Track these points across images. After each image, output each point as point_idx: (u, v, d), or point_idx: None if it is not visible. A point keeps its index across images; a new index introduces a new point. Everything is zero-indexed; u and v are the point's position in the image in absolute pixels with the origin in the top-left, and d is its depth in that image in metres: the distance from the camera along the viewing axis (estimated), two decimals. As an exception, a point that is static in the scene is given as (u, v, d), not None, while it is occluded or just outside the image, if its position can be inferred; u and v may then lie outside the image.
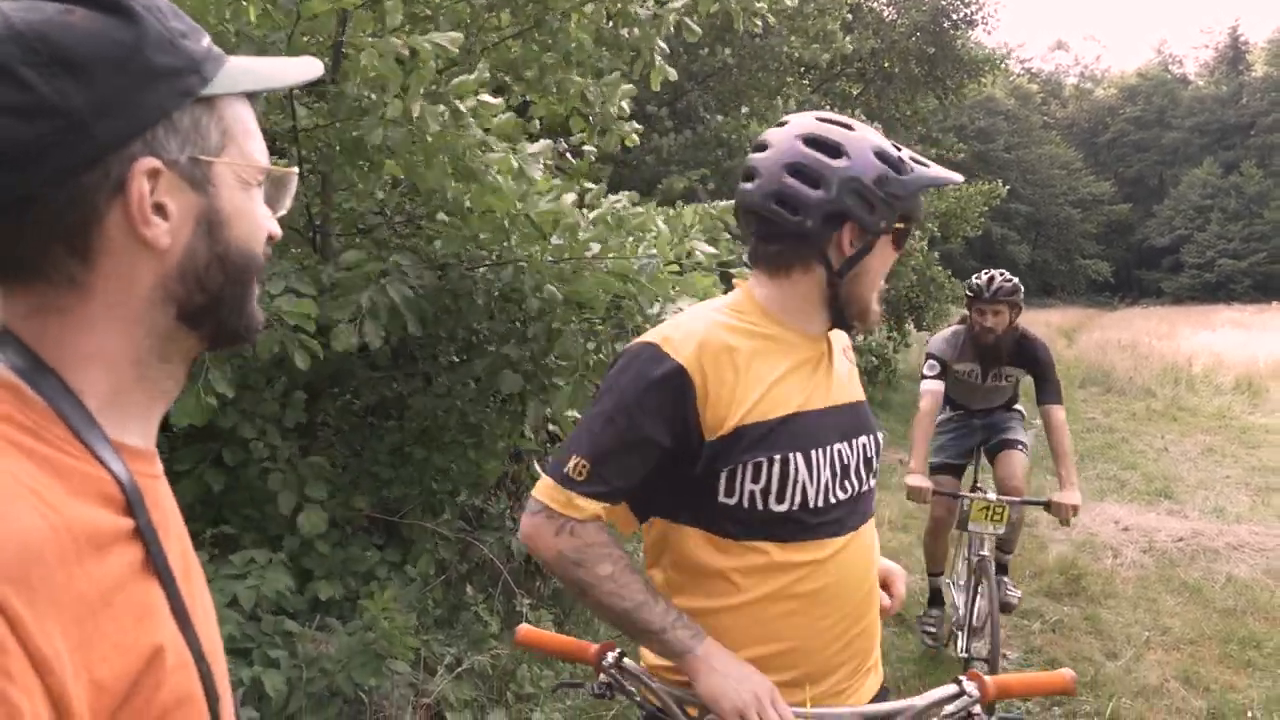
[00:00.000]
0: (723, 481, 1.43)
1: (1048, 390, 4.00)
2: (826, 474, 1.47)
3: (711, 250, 3.16)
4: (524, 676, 3.28)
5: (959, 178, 1.54)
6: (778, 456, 1.42)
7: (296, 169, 0.86)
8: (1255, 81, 58.51)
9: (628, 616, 1.42)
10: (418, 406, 3.45)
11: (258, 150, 0.79)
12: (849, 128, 1.47)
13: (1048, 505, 3.71)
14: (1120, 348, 18.39)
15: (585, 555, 1.42)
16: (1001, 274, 4.04)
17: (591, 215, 2.69)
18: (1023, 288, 4.09)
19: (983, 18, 14.58)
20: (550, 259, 2.76)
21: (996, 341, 4.04)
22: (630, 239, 2.69)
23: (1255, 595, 5.28)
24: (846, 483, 1.51)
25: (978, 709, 1.48)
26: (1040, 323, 25.19)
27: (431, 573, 3.47)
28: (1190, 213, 52.78)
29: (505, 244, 2.85)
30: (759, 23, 4.50)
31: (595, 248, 2.72)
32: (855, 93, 13.96)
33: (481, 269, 2.98)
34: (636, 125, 4.11)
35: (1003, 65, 16.55)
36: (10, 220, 0.68)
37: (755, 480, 1.42)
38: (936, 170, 1.47)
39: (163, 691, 0.68)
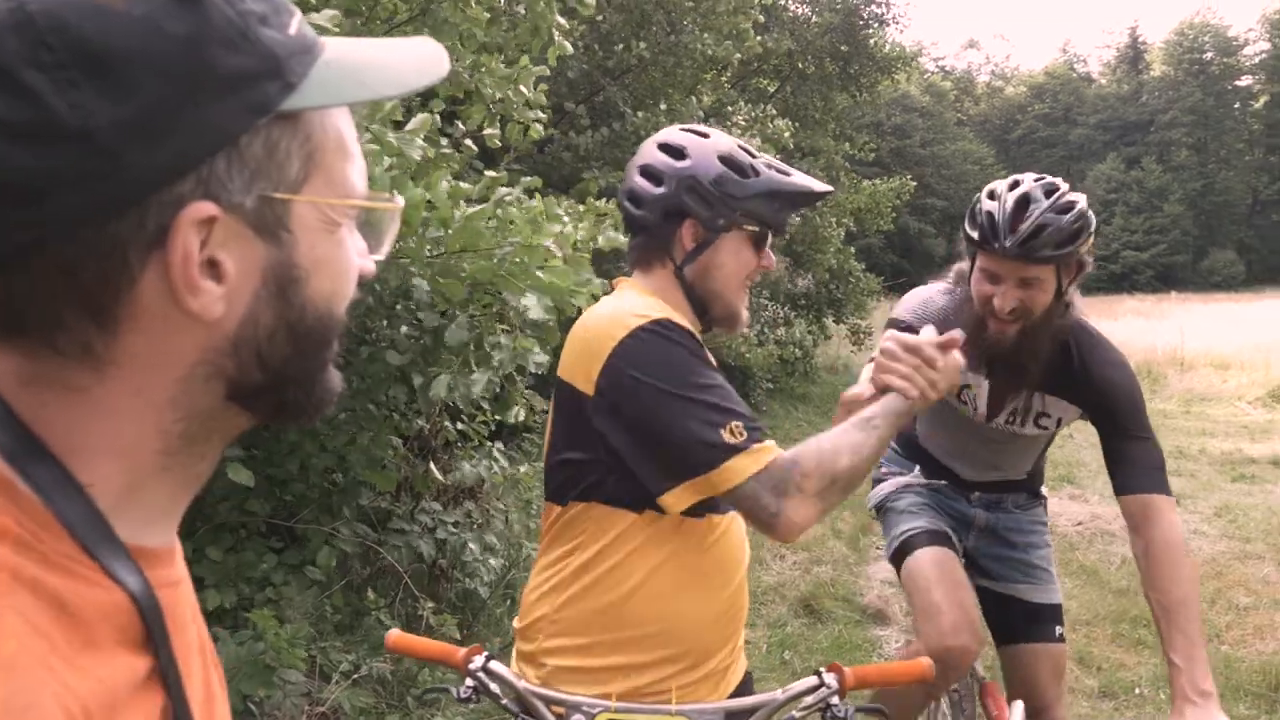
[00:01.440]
0: None
1: (1134, 459, 1.89)
2: None
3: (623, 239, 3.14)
4: (425, 681, 3.23)
5: (823, 187, 1.62)
6: None
7: (401, 201, 0.65)
8: (1154, 81, 61.11)
9: (872, 459, 1.46)
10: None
11: (356, 176, 0.59)
12: (705, 135, 1.57)
13: None
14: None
15: (818, 466, 1.39)
16: (1046, 189, 1.92)
17: (473, 209, 2.64)
18: (1090, 226, 1.91)
19: (894, 16, 14.89)
20: (428, 252, 2.71)
21: (1022, 344, 1.97)
22: (491, 224, 2.64)
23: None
24: None
25: (836, 700, 1.50)
26: (955, 314, 25.93)
27: (334, 564, 3.38)
28: (1096, 207, 52.41)
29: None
30: (669, 18, 4.50)
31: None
32: (772, 90, 14.13)
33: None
34: (540, 115, 4.07)
35: (914, 63, 16.91)
36: (13, 270, 0.49)
37: None
38: (797, 179, 1.57)
39: None
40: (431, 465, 3.84)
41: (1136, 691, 3.98)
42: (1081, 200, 1.93)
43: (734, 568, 1.56)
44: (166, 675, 0.55)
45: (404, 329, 3.19)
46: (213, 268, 0.52)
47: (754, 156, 1.56)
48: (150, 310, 0.51)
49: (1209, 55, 57.58)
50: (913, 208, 44.84)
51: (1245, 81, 57.84)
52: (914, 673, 1.59)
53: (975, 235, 1.94)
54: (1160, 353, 15.89)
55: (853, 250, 14.69)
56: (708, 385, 1.40)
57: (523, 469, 4.70)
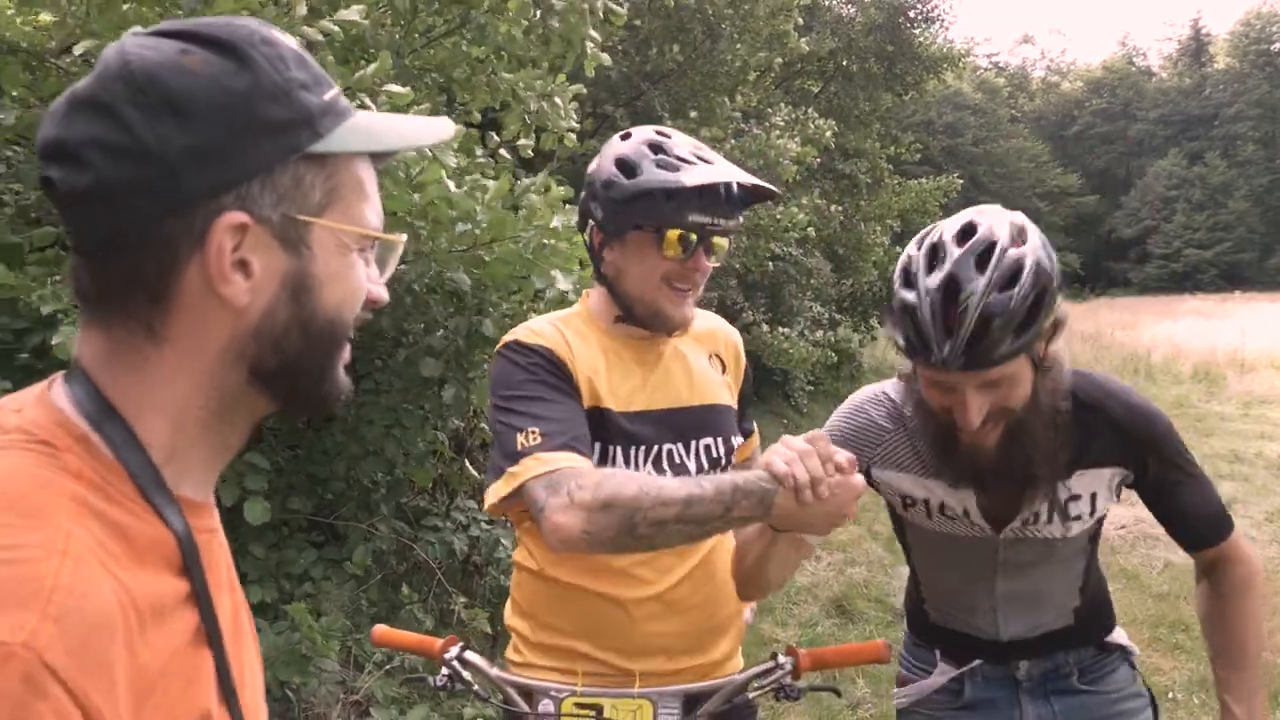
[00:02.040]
0: None
1: (1194, 509, 1.63)
2: (649, 469, 1.58)
3: None
4: (456, 673, 3.33)
5: (735, 178, 1.53)
6: (596, 445, 1.54)
7: (404, 236, 0.82)
8: (1217, 74, 59.36)
9: (687, 515, 1.28)
10: (347, 402, 3.51)
11: (370, 213, 0.75)
12: (626, 136, 1.60)
13: None
14: (1083, 339, 18.65)
15: (601, 489, 1.31)
16: (977, 253, 1.39)
17: (488, 198, 2.76)
18: (1051, 283, 1.40)
19: (939, 15, 14.73)
20: (459, 248, 2.83)
21: (1014, 446, 1.52)
22: (518, 214, 2.75)
23: (1189, 581, 5.37)
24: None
25: (789, 680, 1.58)
26: (1007, 315, 25.53)
27: (370, 562, 3.52)
28: (1156, 204, 53.49)
29: (419, 237, 2.91)
30: (707, 24, 4.55)
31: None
32: (816, 90, 14.09)
33: (402, 264, 3.04)
34: (574, 125, 4.17)
35: (962, 61, 16.71)
36: (96, 259, 0.67)
37: None
38: (688, 176, 1.48)
39: None
40: (466, 463, 3.95)
41: (1170, 696, 3.95)
42: (1024, 250, 1.38)
43: (655, 571, 1.56)
44: (200, 599, 0.68)
45: (440, 333, 3.31)
46: (243, 266, 0.68)
47: (663, 153, 1.52)
48: (193, 295, 0.68)
49: (1277, 46, 55.81)
50: (965, 206, 44.05)
51: (1315, 72, 55.99)
52: (869, 653, 1.66)
53: (901, 343, 1.44)
54: (1220, 354, 15.53)
55: (899, 252, 14.60)
56: (521, 396, 1.48)
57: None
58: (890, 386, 1.69)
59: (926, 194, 14.32)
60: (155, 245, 0.66)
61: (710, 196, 1.52)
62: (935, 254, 1.41)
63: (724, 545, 1.67)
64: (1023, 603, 1.69)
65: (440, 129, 0.80)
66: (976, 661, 1.73)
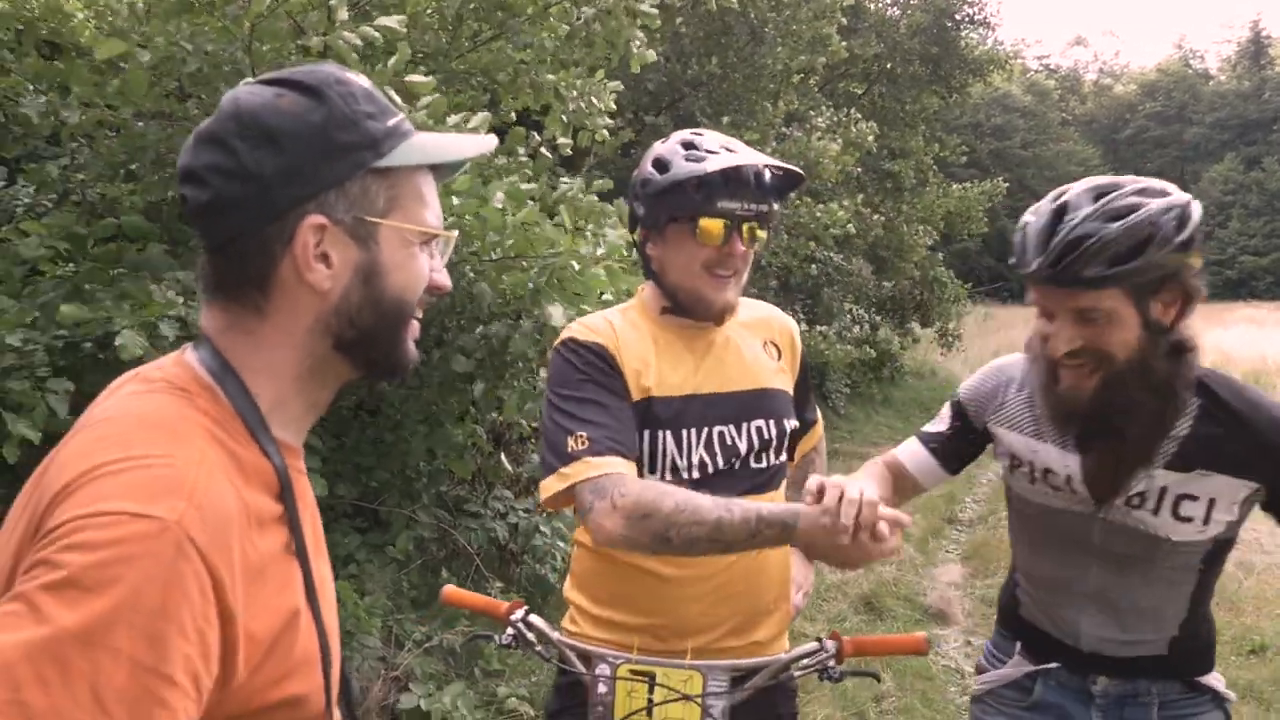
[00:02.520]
0: None
1: None
2: (701, 451, 1.67)
3: None
4: (491, 654, 3.48)
5: (759, 161, 1.62)
6: (645, 433, 1.65)
7: (455, 233, 1.01)
8: (1277, 77, 57.88)
9: (718, 535, 1.42)
10: (391, 398, 3.66)
11: (429, 215, 0.94)
12: (664, 139, 1.71)
13: None
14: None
15: (640, 500, 1.45)
16: (1098, 193, 1.47)
17: (518, 218, 2.87)
18: (1164, 234, 1.42)
19: (985, 17, 14.61)
20: (489, 257, 2.95)
21: (1108, 400, 1.49)
22: (555, 221, 2.85)
23: (1223, 585, 5.39)
24: (734, 460, 1.70)
25: (832, 663, 1.67)
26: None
27: (411, 548, 3.67)
28: (1211, 209, 52.16)
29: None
30: (750, 28, 4.61)
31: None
32: (859, 92, 14.07)
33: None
34: (609, 121, 4.28)
35: (1009, 63, 16.54)
36: (217, 255, 0.88)
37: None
38: (711, 163, 1.59)
39: (295, 649, 0.84)
40: (503, 456, 4.09)
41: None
42: (1148, 200, 1.42)
43: (704, 562, 1.62)
44: (291, 520, 0.87)
45: (477, 331, 3.45)
46: (324, 258, 0.87)
47: (693, 149, 1.63)
48: (288, 281, 0.87)
49: (1339, 48, 54.30)
50: (1012, 210, 43.52)
51: (1380, 75, 54.36)
52: (910, 644, 1.74)
53: (1013, 259, 1.50)
54: (1270, 362, 15.23)
55: (940, 256, 14.52)
56: (574, 397, 1.59)
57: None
58: (1013, 362, 1.75)
59: (971, 200, 14.21)
60: (258, 244, 0.86)
61: (738, 184, 1.61)
62: (1064, 192, 1.50)
63: None
64: (1114, 609, 1.61)
65: (484, 143, 0.98)
66: (1054, 664, 1.70)
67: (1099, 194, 1.45)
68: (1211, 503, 1.52)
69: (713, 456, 1.68)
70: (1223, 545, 1.57)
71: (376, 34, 2.84)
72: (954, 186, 14.53)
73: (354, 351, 0.92)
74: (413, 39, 4.00)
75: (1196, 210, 1.45)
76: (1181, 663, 1.63)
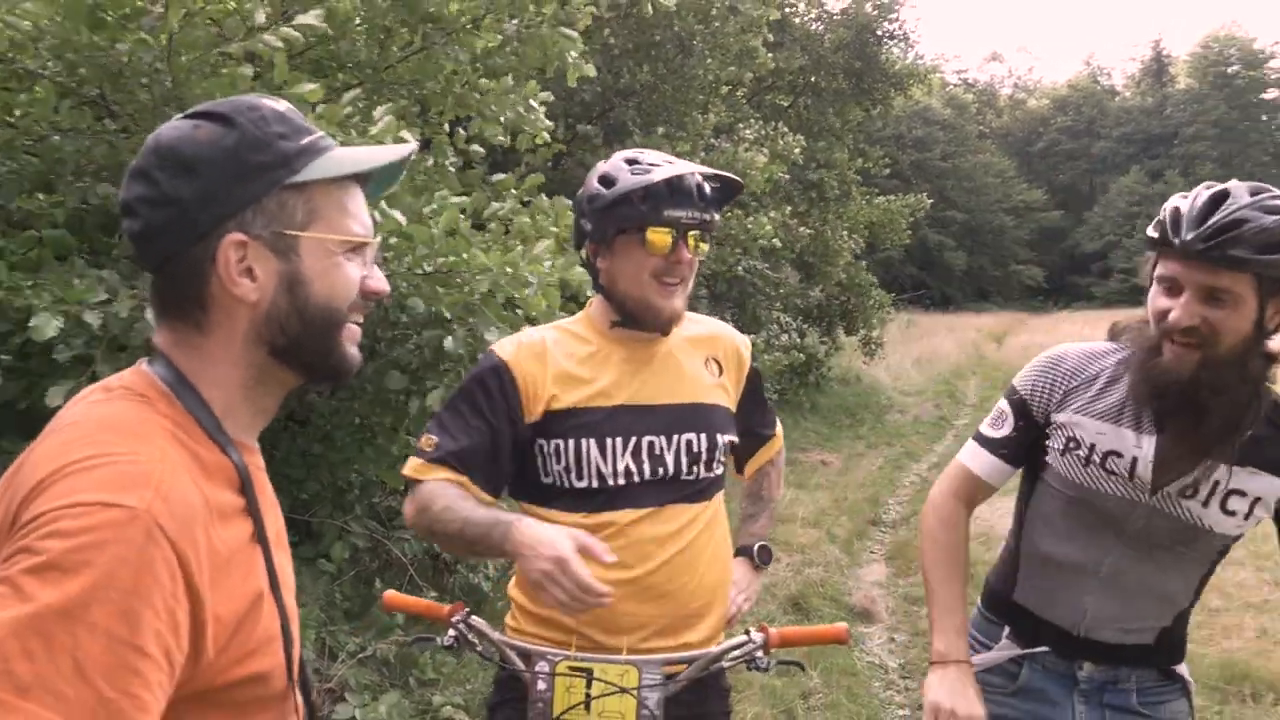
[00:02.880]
0: (538, 463, 1.76)
1: None
2: (628, 459, 1.74)
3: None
4: (425, 663, 3.49)
5: (689, 169, 1.72)
6: (570, 440, 1.73)
7: (378, 240, 1.07)
8: (1178, 94, 60.65)
9: (463, 535, 1.62)
10: (321, 409, 3.65)
11: (353, 225, 1.00)
12: (607, 158, 1.79)
13: None
14: (1043, 349, 18.96)
15: (425, 498, 1.70)
16: (1253, 189, 1.57)
17: (440, 227, 2.90)
18: None
19: (905, 33, 15.06)
20: (420, 271, 2.98)
21: (1202, 380, 1.57)
22: (467, 248, 2.89)
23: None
24: (661, 469, 1.77)
25: (760, 653, 1.75)
26: (972, 327, 25.97)
27: (346, 557, 3.66)
28: (1118, 220, 54.44)
29: (385, 258, 3.06)
30: (679, 40, 4.67)
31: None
32: (786, 105, 14.37)
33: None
34: (549, 124, 4.31)
35: (928, 78, 17.06)
36: (160, 277, 0.95)
37: (558, 461, 1.74)
38: (655, 175, 1.69)
39: (258, 629, 0.91)
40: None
41: None
42: None
43: (631, 558, 1.71)
44: (253, 512, 0.94)
45: (409, 345, 3.45)
46: (249, 272, 0.93)
47: (636, 163, 1.73)
48: (220, 297, 0.94)
49: (1235, 68, 57.07)
50: (933, 220, 44.68)
51: (1271, 95, 57.28)
52: (831, 635, 1.84)
53: (1155, 234, 1.59)
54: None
55: (864, 264, 14.89)
56: (453, 404, 1.79)
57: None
58: (1089, 344, 1.81)
59: (895, 210, 14.62)
60: (188, 264, 0.93)
61: (682, 194, 1.70)
62: (1216, 185, 1.59)
63: (713, 541, 1.83)
64: (1125, 593, 1.69)
65: (399, 151, 1.04)
66: (1044, 648, 1.78)
67: (1256, 190, 1.55)
68: (1256, 501, 1.63)
69: (639, 465, 1.75)
70: (1239, 538, 1.69)
71: (297, 33, 2.82)
72: (879, 199, 14.93)
73: (288, 357, 0.98)
74: (342, 49, 4.00)
75: None
76: (1163, 653, 1.76)
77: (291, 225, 0.95)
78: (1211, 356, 1.54)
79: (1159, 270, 1.61)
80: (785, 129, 10.79)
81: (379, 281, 1.03)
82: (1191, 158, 56.00)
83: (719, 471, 1.87)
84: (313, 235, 0.96)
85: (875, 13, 14.43)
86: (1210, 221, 1.51)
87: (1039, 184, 58.47)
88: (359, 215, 1.01)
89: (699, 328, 1.93)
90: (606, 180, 1.73)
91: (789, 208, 11.69)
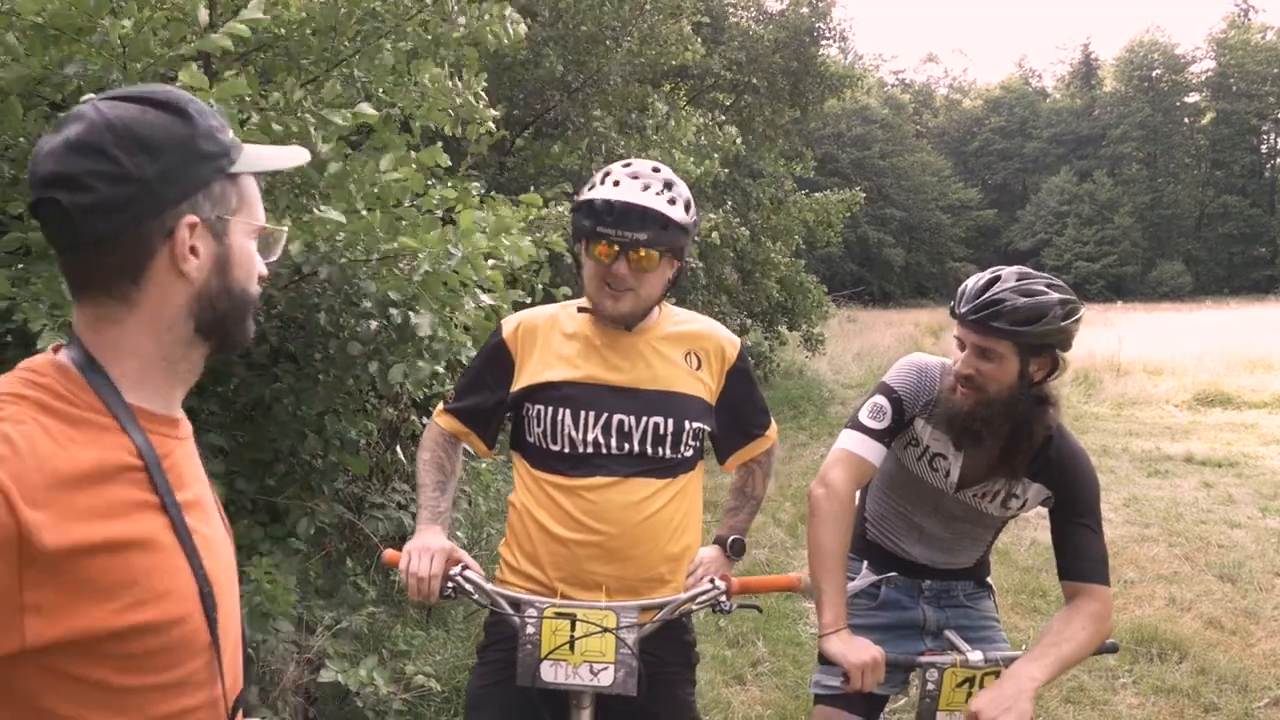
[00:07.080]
0: (524, 425, 2.03)
1: (1082, 548, 2.08)
2: (597, 431, 1.97)
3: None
4: (398, 635, 3.67)
5: (612, 195, 1.87)
6: (550, 408, 1.98)
7: (287, 226, 1.18)
8: (1105, 96, 62.65)
9: (418, 490, 2.14)
10: (282, 394, 3.78)
11: (259, 213, 1.10)
12: (608, 172, 1.97)
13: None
14: (977, 345, 19.60)
15: (426, 440, 2.17)
16: (1020, 274, 2.03)
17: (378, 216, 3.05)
18: (1050, 315, 1.97)
19: (838, 36, 15.39)
20: (372, 256, 3.16)
21: (976, 414, 2.06)
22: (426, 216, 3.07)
23: (1051, 556, 6.05)
24: (626, 444, 1.99)
25: (724, 598, 1.99)
26: (910, 322, 26.63)
27: (313, 532, 3.81)
28: (1049, 218, 56.17)
29: (334, 244, 3.19)
30: (613, 35, 4.69)
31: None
32: (727, 103, 14.64)
33: (323, 269, 3.29)
34: (494, 113, 4.43)
35: (861, 82, 17.46)
36: (92, 252, 0.98)
37: (538, 425, 1.99)
38: (595, 193, 1.89)
39: (150, 580, 0.95)
40: (399, 450, 4.27)
41: (1023, 647, 4.51)
42: (1055, 294, 1.97)
43: (597, 520, 1.94)
44: (153, 476, 0.99)
45: (372, 324, 3.61)
46: (194, 252, 1.01)
47: (609, 175, 1.92)
48: (160, 272, 1.00)
49: (1158, 72, 59.01)
50: (872, 218, 45.67)
51: (1193, 98, 59.41)
52: (785, 583, 2.11)
53: (951, 304, 2.10)
54: (1099, 359, 16.51)
55: (802, 263, 15.25)
56: (473, 365, 2.18)
57: (484, 464, 5.10)
58: (940, 361, 2.22)
59: (831, 206, 14.97)
60: (137, 239, 0.98)
61: (623, 214, 1.84)
62: (1000, 270, 2.07)
63: (678, 516, 2.02)
64: (942, 542, 2.32)
65: (298, 155, 1.13)
66: (893, 573, 2.36)
67: (1023, 276, 2.03)
68: (1025, 501, 2.20)
69: (608, 438, 1.97)
70: (1011, 520, 2.35)
71: (244, 28, 2.90)
72: (815, 195, 15.24)
73: (210, 331, 1.05)
74: (291, 47, 4.08)
75: (1081, 311, 2.02)
76: (978, 571, 2.43)
77: (228, 211, 1.04)
78: (984, 399, 2.04)
79: (955, 330, 2.09)
80: (724, 119, 10.97)
81: (264, 267, 1.12)
82: (1118, 158, 57.90)
83: (688, 455, 2.05)
84: (241, 221, 1.05)
85: (809, 14, 14.70)
86: (980, 300, 2.00)
87: (974, 183, 59.96)
88: (260, 207, 1.11)
89: (689, 325, 2.12)
90: (590, 184, 1.94)
91: (730, 203, 11.95)
